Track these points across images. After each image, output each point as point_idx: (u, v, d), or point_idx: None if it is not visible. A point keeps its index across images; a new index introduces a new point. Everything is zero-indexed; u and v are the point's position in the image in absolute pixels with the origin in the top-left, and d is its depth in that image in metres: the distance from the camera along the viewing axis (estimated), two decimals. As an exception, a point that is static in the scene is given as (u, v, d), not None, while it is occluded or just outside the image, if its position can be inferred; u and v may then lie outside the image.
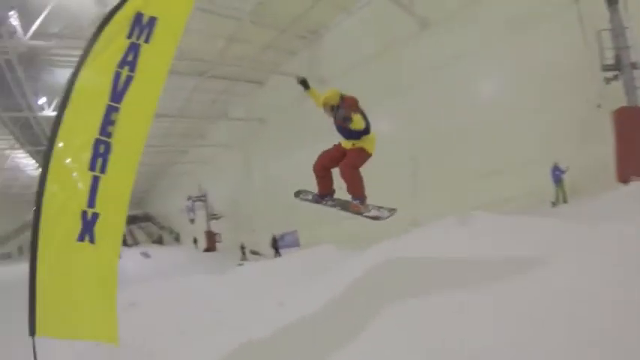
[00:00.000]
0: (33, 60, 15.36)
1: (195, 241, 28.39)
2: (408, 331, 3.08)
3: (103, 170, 3.06)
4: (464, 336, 2.90)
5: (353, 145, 4.37)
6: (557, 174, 9.52)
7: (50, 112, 16.98)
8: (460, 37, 10.89)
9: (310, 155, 15.15)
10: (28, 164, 28.50)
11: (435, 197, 10.82)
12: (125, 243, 38.16)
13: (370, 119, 4.01)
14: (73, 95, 3.08)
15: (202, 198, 27.22)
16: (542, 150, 9.68)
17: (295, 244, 16.18)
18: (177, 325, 4.38)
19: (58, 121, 3.07)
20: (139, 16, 3.20)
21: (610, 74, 8.64)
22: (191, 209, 29.99)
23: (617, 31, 8.51)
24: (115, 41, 3.14)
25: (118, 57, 3.11)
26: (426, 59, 11.67)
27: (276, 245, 16.29)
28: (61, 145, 3.05)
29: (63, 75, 15.82)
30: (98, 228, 3.07)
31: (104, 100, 3.07)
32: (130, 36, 3.17)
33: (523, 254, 3.64)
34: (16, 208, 42.68)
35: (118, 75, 3.09)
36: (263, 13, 13.69)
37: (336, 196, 4.59)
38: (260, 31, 14.26)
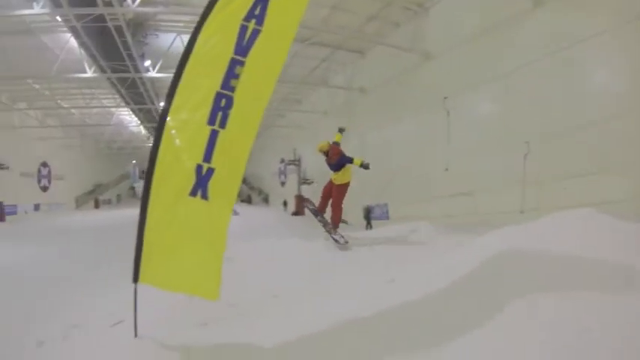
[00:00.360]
0: (140, 25, 16.45)
1: (285, 203, 28.75)
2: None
3: (222, 125, 2.99)
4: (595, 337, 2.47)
5: (335, 179, 7.01)
6: None
7: (154, 74, 18.21)
8: (580, 17, 9.54)
9: (407, 130, 14.75)
10: (132, 121, 30.83)
11: (543, 189, 9.84)
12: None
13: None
14: (196, 48, 3.01)
15: (296, 162, 27.33)
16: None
17: (384, 216, 15.78)
18: (271, 288, 4.37)
19: (178, 73, 3.03)
20: (267, -35, 3.03)
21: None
22: (283, 172, 30.74)
23: None
24: (241, -7, 3.01)
25: (245, 10, 2.97)
26: (539, 40, 10.46)
27: (368, 216, 15.74)
28: (179, 96, 3.03)
29: (167, 39, 16.79)
30: (212, 184, 3.04)
31: (228, 53, 2.97)
32: (258, -13, 3.02)
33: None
34: (119, 160, 47.48)
35: (244, 28, 2.96)
36: None
37: (326, 215, 7.11)
38: (365, 1, 13.86)
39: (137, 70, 18.05)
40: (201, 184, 3.05)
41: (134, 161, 50.82)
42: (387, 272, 4.34)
